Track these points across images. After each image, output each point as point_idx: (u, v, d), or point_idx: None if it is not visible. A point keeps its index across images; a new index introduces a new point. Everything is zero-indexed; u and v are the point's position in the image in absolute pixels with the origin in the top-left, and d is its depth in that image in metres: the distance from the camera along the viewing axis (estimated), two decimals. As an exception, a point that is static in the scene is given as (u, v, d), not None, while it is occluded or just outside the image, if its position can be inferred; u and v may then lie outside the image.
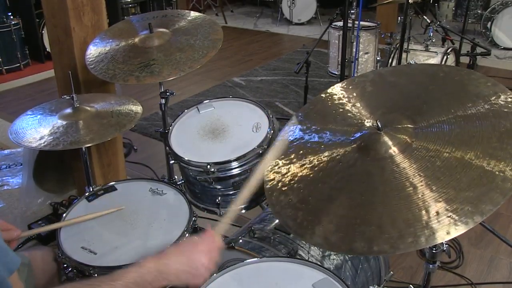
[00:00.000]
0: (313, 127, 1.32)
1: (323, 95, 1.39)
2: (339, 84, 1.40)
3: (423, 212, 0.94)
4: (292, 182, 1.20)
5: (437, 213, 0.93)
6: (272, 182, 1.24)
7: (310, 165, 1.20)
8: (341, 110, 1.32)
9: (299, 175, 1.20)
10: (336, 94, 1.37)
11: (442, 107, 1.14)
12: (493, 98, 1.09)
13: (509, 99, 1.08)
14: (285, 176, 1.23)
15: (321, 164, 1.18)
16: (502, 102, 1.08)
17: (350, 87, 1.37)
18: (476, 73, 1.18)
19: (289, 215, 1.13)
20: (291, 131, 1.36)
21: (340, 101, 1.34)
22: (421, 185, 0.99)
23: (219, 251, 1.12)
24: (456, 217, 0.91)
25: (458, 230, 0.90)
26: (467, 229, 0.89)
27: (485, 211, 0.90)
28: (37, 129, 1.67)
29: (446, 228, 0.91)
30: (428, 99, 1.19)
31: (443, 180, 0.98)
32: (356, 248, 0.98)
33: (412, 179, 1.01)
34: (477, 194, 0.93)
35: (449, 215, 0.92)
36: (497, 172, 0.94)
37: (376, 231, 0.96)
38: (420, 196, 0.97)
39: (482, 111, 1.08)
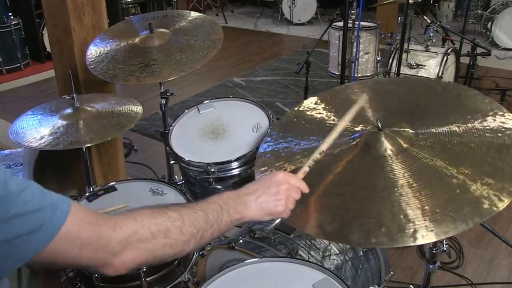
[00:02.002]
0: (312, 137, 1.31)
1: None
2: (310, 100, 1.40)
3: (424, 209, 0.95)
4: (285, 168, 1.20)
5: (437, 211, 0.93)
6: (269, 170, 1.23)
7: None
8: (332, 118, 1.32)
9: (298, 166, 1.20)
10: (312, 109, 1.37)
11: (441, 116, 1.15)
12: (490, 113, 1.12)
13: (507, 116, 1.09)
14: (277, 162, 1.23)
15: (320, 158, 1.18)
16: (499, 119, 1.09)
17: (328, 98, 1.38)
18: (473, 90, 1.21)
19: None
20: (296, 145, 1.35)
21: (321, 114, 1.35)
22: (421, 184, 0.99)
23: (299, 189, 1.05)
24: (456, 217, 0.91)
25: (457, 229, 0.90)
26: (466, 229, 0.90)
27: (484, 213, 0.91)
28: (37, 129, 1.67)
29: (445, 227, 0.91)
30: (427, 107, 1.21)
31: (444, 181, 0.98)
32: (352, 239, 0.98)
33: (413, 178, 1.01)
34: (478, 196, 0.93)
35: (449, 214, 0.92)
36: (497, 178, 0.95)
37: (375, 224, 0.97)
38: (421, 194, 0.98)
39: (481, 123, 1.09)
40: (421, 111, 1.20)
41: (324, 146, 1.12)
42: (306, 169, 1.09)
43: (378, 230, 0.95)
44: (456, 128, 1.10)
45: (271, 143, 1.32)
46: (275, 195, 1.01)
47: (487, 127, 1.08)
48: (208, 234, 0.93)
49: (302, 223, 1.07)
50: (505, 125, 1.07)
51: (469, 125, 1.10)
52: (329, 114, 1.33)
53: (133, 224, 0.83)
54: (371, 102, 1.30)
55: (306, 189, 1.06)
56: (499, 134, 1.05)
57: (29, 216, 0.71)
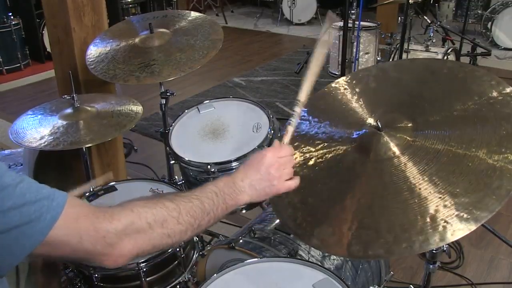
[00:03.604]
0: (315, 120, 1.30)
1: (326, 89, 1.38)
2: (344, 78, 1.39)
3: (419, 217, 0.94)
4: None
5: (433, 218, 0.93)
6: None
7: (311, 164, 1.20)
8: (343, 106, 1.30)
9: (300, 173, 1.20)
10: (339, 89, 1.36)
11: (444, 106, 1.13)
12: (495, 94, 1.07)
13: None
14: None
15: (322, 164, 1.17)
16: (504, 101, 1.05)
17: (354, 82, 1.36)
18: (480, 70, 1.16)
19: (290, 215, 1.13)
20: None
21: (344, 97, 1.33)
22: (418, 189, 0.99)
23: (290, 158, 1.07)
24: (451, 224, 0.91)
25: (452, 237, 0.90)
26: (461, 236, 0.89)
27: (480, 218, 0.90)
28: (37, 129, 1.67)
29: (441, 234, 0.90)
30: (431, 97, 1.18)
31: (440, 185, 0.97)
32: (352, 252, 0.98)
33: (410, 183, 1.00)
34: (473, 200, 0.92)
35: (444, 221, 0.91)
36: (494, 177, 0.94)
37: (373, 235, 0.96)
38: (416, 201, 0.97)
39: (484, 111, 1.06)
40: (424, 102, 1.17)
41: (302, 96, 1.11)
42: (290, 129, 1.10)
43: (377, 241, 0.95)
44: (458, 119, 1.07)
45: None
46: (266, 176, 1.02)
47: (491, 113, 1.05)
48: (205, 222, 0.95)
49: (306, 236, 1.08)
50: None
51: (472, 112, 1.07)
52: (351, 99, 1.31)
53: (130, 215, 0.84)
54: (373, 95, 1.29)
55: (289, 153, 1.07)
56: (503, 122, 1.02)
57: (27, 208, 0.72)
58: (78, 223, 0.77)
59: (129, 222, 0.83)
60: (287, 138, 1.10)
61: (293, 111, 1.11)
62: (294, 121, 1.11)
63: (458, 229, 0.90)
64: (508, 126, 1.01)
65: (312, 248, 1.43)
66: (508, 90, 1.07)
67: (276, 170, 1.03)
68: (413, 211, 0.96)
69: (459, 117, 1.09)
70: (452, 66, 1.25)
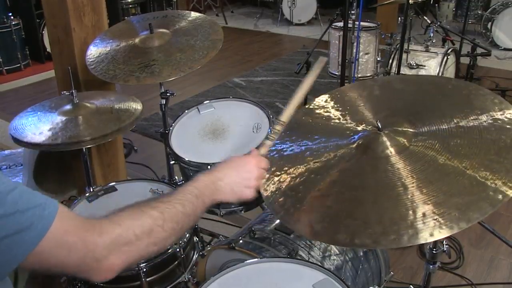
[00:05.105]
0: (316, 136, 1.31)
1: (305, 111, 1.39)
2: (321, 98, 1.41)
3: (410, 212, 0.94)
4: (286, 168, 1.21)
5: (424, 214, 0.93)
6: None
7: (307, 158, 1.20)
8: (338, 117, 1.31)
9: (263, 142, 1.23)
10: (321, 107, 1.37)
11: (445, 116, 1.14)
12: (498, 113, 1.09)
13: None
14: (280, 161, 1.24)
15: (318, 156, 1.18)
16: (506, 119, 1.07)
17: (338, 96, 1.38)
18: (484, 90, 1.18)
19: (278, 200, 1.13)
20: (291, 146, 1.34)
21: (328, 113, 1.35)
22: (412, 187, 0.99)
23: (265, 168, 1.15)
24: (442, 221, 0.91)
25: (441, 233, 0.89)
26: (451, 234, 0.89)
27: (471, 218, 0.90)
28: (36, 125, 1.66)
29: (430, 230, 0.90)
30: (433, 107, 1.20)
31: (435, 184, 0.98)
32: (338, 239, 0.99)
33: (404, 180, 1.01)
34: (467, 201, 0.92)
35: (435, 218, 0.92)
36: (489, 183, 0.94)
37: (361, 225, 0.97)
38: (409, 196, 0.97)
39: (484, 125, 1.08)
40: (426, 111, 1.19)
41: (284, 116, 1.19)
42: (268, 143, 1.18)
43: (364, 231, 0.96)
44: (458, 129, 1.09)
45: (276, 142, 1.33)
46: (246, 182, 1.10)
47: (492, 128, 1.06)
48: (186, 223, 0.98)
49: (292, 221, 1.09)
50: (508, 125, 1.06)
51: (472, 124, 1.09)
52: (336, 113, 1.33)
53: (117, 229, 0.84)
54: (377, 101, 1.29)
55: (267, 166, 1.16)
56: (502, 136, 1.03)
57: (18, 216, 0.71)
58: (67, 235, 0.77)
59: (117, 235, 0.83)
60: (264, 150, 1.16)
61: (274, 128, 1.18)
62: (273, 137, 1.18)
63: (448, 227, 0.90)
64: (507, 139, 1.02)
65: (312, 248, 1.43)
66: (510, 111, 1.09)
67: (255, 179, 1.11)
68: (404, 206, 0.96)
69: (459, 126, 1.10)
70: (457, 83, 1.28)
